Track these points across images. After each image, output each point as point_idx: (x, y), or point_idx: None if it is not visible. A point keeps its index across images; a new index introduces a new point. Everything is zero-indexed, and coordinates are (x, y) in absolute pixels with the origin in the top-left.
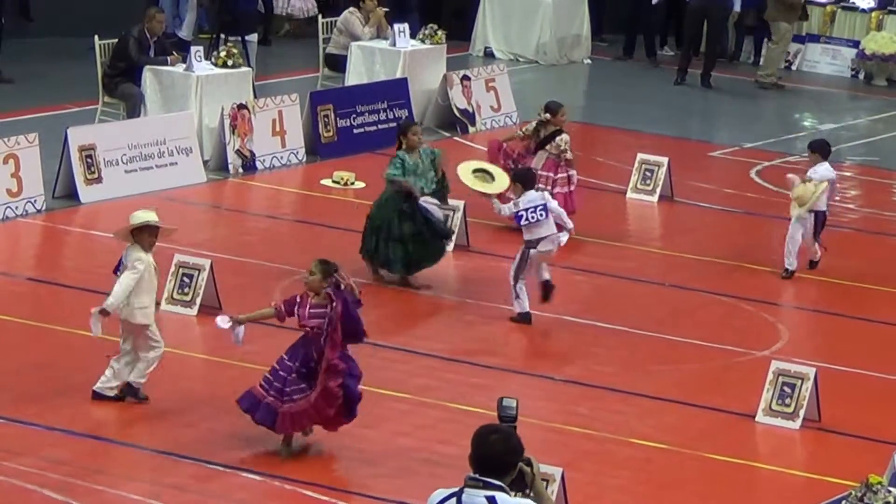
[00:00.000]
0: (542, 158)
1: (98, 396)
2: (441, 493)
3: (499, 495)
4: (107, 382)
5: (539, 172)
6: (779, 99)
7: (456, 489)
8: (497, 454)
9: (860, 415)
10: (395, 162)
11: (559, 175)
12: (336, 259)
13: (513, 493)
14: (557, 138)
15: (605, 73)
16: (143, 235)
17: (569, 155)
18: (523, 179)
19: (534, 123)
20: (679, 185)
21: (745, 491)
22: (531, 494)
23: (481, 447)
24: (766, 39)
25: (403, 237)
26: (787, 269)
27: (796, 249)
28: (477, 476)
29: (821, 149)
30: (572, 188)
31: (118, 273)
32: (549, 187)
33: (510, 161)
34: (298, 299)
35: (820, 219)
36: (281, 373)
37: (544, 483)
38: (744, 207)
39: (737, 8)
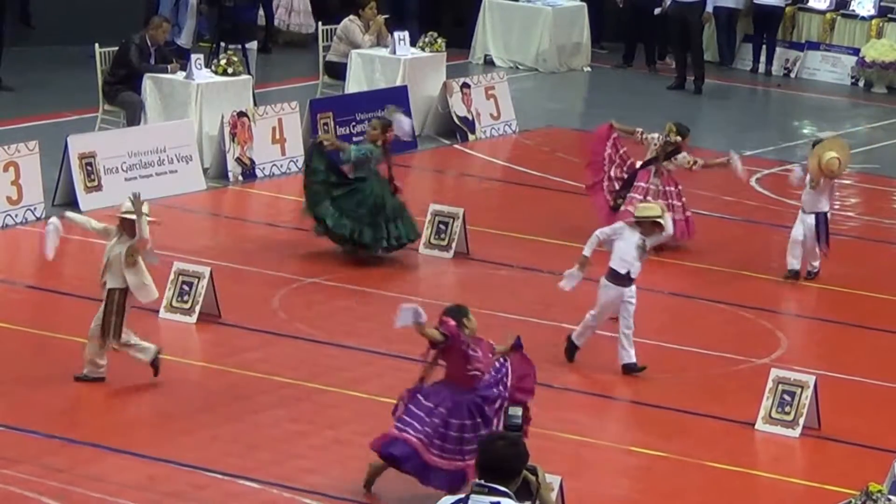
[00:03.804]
0: (648, 170)
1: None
2: (448, 499)
3: (504, 501)
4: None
5: (638, 183)
6: (778, 107)
7: (462, 496)
8: (503, 460)
9: (860, 423)
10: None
11: (669, 188)
12: (338, 267)
13: (518, 502)
14: (679, 155)
15: (604, 81)
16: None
17: (699, 163)
18: None
19: (659, 138)
20: None
21: (744, 499)
22: (537, 502)
23: (487, 453)
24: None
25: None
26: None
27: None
28: (483, 482)
29: None
30: (688, 214)
31: None
32: (664, 200)
33: (616, 156)
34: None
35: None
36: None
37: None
38: (743, 215)
39: (709, 9)
